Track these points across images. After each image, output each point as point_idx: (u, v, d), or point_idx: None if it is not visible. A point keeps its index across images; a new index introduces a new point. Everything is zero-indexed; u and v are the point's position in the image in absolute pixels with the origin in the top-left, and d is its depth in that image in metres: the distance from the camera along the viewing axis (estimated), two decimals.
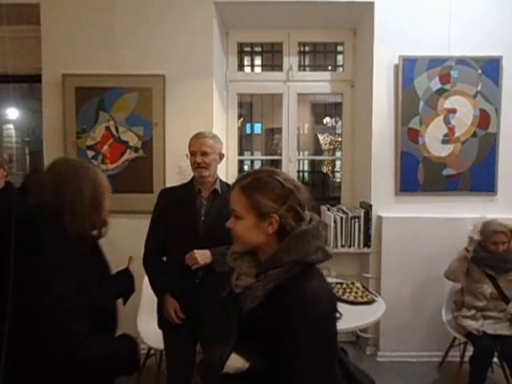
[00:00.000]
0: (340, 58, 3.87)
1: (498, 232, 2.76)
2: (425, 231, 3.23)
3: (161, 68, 3.18)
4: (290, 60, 3.70)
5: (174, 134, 3.19)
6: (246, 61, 4.10)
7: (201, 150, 2.11)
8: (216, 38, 3.29)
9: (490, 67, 3.18)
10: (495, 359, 2.80)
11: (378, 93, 3.25)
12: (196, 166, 2.11)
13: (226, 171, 3.62)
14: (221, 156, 2.21)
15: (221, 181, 2.24)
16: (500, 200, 3.29)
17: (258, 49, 3.99)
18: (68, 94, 3.15)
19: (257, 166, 4.60)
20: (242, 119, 4.37)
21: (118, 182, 3.09)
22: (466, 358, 2.80)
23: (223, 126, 3.64)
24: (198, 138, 2.15)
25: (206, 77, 3.20)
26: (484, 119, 3.22)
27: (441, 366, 3.20)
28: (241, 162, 4.19)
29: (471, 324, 2.76)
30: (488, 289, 2.80)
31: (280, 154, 3.79)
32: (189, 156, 2.18)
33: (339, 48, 3.84)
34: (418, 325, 3.28)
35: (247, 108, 4.33)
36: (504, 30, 3.21)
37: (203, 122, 3.14)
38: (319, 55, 3.97)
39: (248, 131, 4.54)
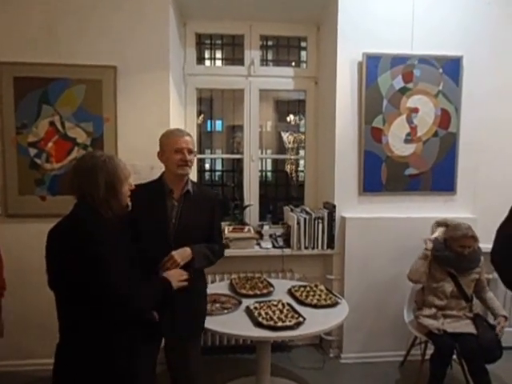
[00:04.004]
0: (304, 53, 3.77)
1: (469, 237, 2.76)
2: (387, 231, 3.21)
3: (112, 59, 2.96)
4: (252, 54, 3.56)
5: (126, 131, 3.00)
6: (206, 54, 3.92)
7: (188, 148, 2.03)
8: (173, 27, 3.11)
9: (451, 67, 3.18)
10: (454, 357, 2.81)
11: (342, 90, 3.18)
12: (183, 163, 2.01)
13: None
14: (195, 154, 2.15)
15: (192, 181, 2.15)
16: (459, 199, 3.32)
17: (219, 41, 3.82)
18: (5, 85, 2.87)
19: (218, 165, 4.44)
20: (202, 116, 4.19)
21: (64, 183, 2.86)
22: (428, 357, 2.80)
23: (181, 123, 3.46)
24: (180, 136, 2.05)
25: (161, 69, 3.01)
26: (445, 119, 3.22)
27: (402, 365, 3.21)
28: (201, 161, 4.01)
29: (432, 323, 2.76)
30: (449, 287, 2.81)
31: (242, 153, 3.65)
32: (168, 154, 2.02)
33: (303, 44, 3.74)
34: (381, 325, 3.27)
35: (207, 104, 4.17)
36: (465, 30, 3.22)
37: (159, 118, 2.97)
38: (282, 50, 3.86)
39: (208, 128, 4.37)
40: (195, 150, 2.11)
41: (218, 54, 3.99)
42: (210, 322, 2.26)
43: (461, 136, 3.25)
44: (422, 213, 3.22)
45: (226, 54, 3.99)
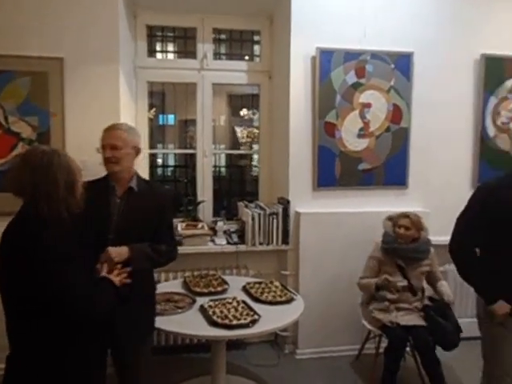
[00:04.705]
0: (257, 47, 3.73)
1: (405, 216, 2.87)
2: (341, 226, 3.23)
3: (58, 50, 2.79)
4: (205, 47, 3.47)
5: (75, 125, 2.84)
6: (158, 47, 3.80)
7: (110, 144, 1.94)
8: (122, 19, 2.97)
9: (402, 63, 3.25)
10: (408, 349, 2.90)
11: (296, 85, 3.16)
12: (106, 160, 1.95)
13: (137, 166, 3.29)
14: (136, 150, 2.03)
15: (138, 177, 2.06)
16: (411, 194, 3.40)
17: (170, 34, 3.71)
18: None
19: (171, 160, 4.31)
20: (154, 110, 4.06)
21: (8, 180, 2.61)
22: (382, 350, 2.84)
23: (132, 117, 3.32)
24: (109, 130, 1.98)
25: (111, 62, 2.87)
26: (397, 114, 3.28)
27: (357, 358, 3.24)
28: (153, 156, 3.88)
29: (385, 317, 2.80)
30: (400, 281, 2.84)
31: (195, 148, 3.55)
32: (100, 150, 1.98)
33: (256, 37, 3.69)
34: (336, 320, 3.28)
35: (159, 98, 4.05)
36: (416, 26, 3.29)
37: (109, 112, 2.83)
38: (235, 44, 3.80)
39: (160, 122, 4.24)
40: (132, 145, 1.98)
41: (170, 47, 3.89)
42: (164, 322, 2.19)
43: (412, 131, 3.33)
44: (375, 207, 3.27)
45: (178, 47, 3.89)
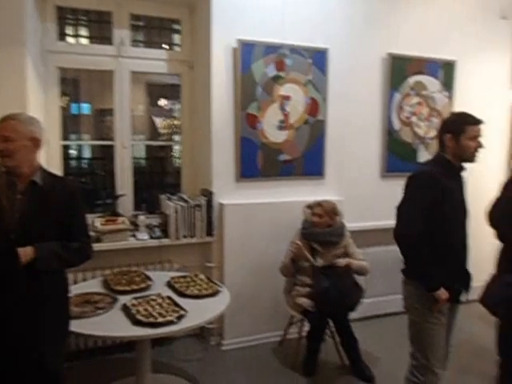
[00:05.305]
0: (177, 37, 3.63)
1: (318, 205, 3.04)
2: (264, 216, 3.30)
3: None
4: (122, 33, 3.30)
5: None
6: (70, 31, 3.53)
7: (2, 136, 1.76)
8: None
9: (319, 58, 3.37)
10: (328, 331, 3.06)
11: (218, 76, 3.14)
12: None
13: (48, 158, 3.07)
14: (35, 142, 1.85)
15: (44, 171, 1.90)
16: (328, 183, 3.56)
17: (84, 17, 3.47)
18: None
19: (86, 151, 4.05)
20: (66, 98, 3.78)
21: None
22: (305, 334, 2.99)
23: (41, 106, 3.06)
24: (2, 121, 1.79)
25: (16, 45, 2.59)
26: (314, 107, 3.41)
27: (281, 344, 3.34)
28: (66, 148, 3.61)
29: (305, 301, 2.93)
30: (313, 259, 2.96)
31: (112, 139, 3.38)
32: None
33: (176, 26, 3.59)
34: (261, 308, 3.36)
35: (73, 85, 3.78)
36: (331, 24, 3.42)
37: (14, 100, 2.57)
38: (154, 32, 3.66)
39: (75, 112, 3.96)
40: (28, 136, 1.82)
41: (84, 32, 3.63)
42: (83, 325, 2.07)
43: (328, 124, 3.48)
44: (296, 197, 3.38)
45: (93, 32, 3.65)
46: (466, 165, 2.15)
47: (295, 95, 3.32)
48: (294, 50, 3.28)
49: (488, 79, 4.13)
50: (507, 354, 2.48)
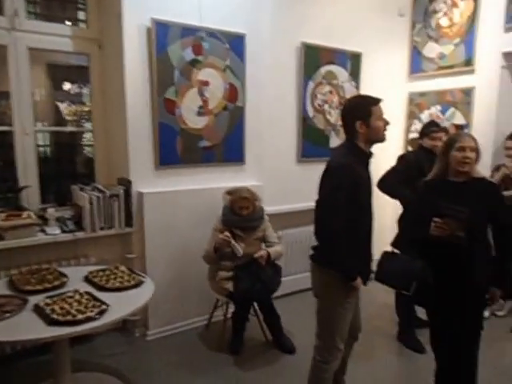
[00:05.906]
0: (82, 13, 3.32)
1: (243, 198, 3.04)
2: (186, 203, 3.24)
3: None
4: (15, 3, 2.93)
5: None
6: None
7: None
8: None
9: (236, 43, 3.34)
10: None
11: (131, 57, 2.96)
12: None
13: None
14: None
15: None
16: (248, 169, 3.60)
17: None
18: None
19: None
20: None
21: None
22: (230, 316, 3.08)
23: None
24: None
25: None
26: (233, 93, 3.39)
27: (207, 327, 3.38)
28: None
29: (230, 285, 2.96)
30: (239, 249, 2.98)
31: (10, 125, 3.02)
32: None
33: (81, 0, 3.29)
34: (186, 294, 3.34)
35: None
36: (249, 10, 3.41)
37: None
38: (55, 5, 3.31)
39: None
40: None
41: None
42: None
43: (247, 110, 3.50)
44: (217, 183, 3.37)
45: None
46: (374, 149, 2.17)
47: (214, 80, 3.27)
48: (212, 33, 3.21)
49: (388, 71, 4.48)
50: (403, 314, 3.26)
